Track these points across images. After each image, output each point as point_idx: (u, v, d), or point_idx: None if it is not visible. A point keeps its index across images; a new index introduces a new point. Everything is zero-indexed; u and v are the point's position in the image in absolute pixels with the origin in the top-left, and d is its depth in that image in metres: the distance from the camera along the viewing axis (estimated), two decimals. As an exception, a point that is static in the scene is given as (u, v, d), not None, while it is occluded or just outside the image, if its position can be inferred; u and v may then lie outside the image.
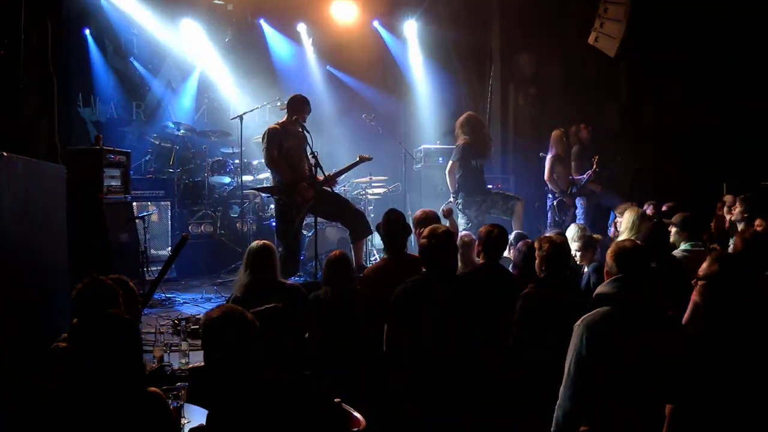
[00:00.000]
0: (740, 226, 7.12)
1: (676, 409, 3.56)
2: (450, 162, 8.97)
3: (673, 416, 3.57)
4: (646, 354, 3.37)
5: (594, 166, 9.45)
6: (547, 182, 9.59)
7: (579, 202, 9.77)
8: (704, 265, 3.90)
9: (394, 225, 5.72)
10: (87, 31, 11.13)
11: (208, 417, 3.23)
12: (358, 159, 8.21)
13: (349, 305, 5.34)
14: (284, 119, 7.95)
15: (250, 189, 10.14)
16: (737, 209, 7.37)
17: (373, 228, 8.31)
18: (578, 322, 3.42)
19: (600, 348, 3.32)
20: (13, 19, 5.22)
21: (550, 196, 9.63)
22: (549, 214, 9.58)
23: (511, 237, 6.44)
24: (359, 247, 8.04)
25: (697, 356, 3.59)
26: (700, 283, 3.88)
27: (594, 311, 3.44)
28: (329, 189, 7.79)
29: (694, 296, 4.25)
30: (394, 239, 5.71)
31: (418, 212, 6.55)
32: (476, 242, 5.75)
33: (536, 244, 5.02)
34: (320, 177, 7.68)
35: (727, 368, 3.72)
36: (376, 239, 9.25)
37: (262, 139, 7.87)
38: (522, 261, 5.65)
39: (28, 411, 3.82)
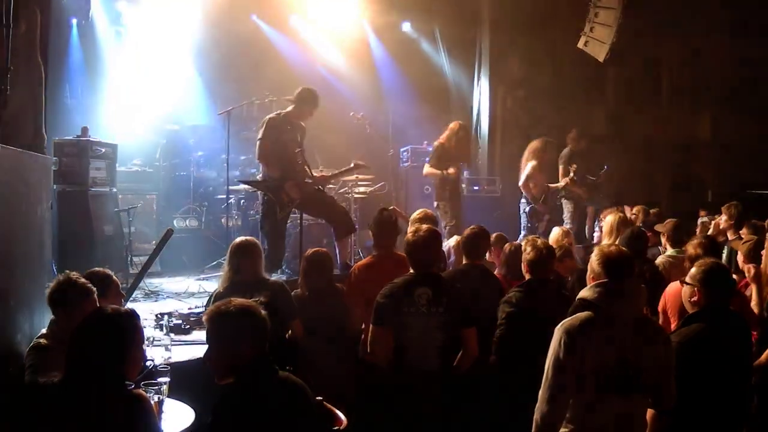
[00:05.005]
0: (729, 234, 7.16)
1: (659, 416, 3.59)
2: (427, 165, 9.09)
3: (655, 422, 3.60)
4: (625, 359, 3.37)
5: (571, 174, 9.45)
6: (521, 188, 9.58)
7: (566, 206, 9.80)
8: (693, 271, 3.97)
9: (383, 223, 5.84)
10: (74, 21, 11.01)
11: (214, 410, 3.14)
12: (352, 165, 8.16)
13: (327, 302, 5.40)
14: (289, 110, 7.86)
15: (238, 183, 10.09)
16: (723, 218, 7.42)
17: (358, 227, 8.37)
18: (558, 326, 3.44)
19: (578, 352, 3.33)
20: (2, 8, 5.18)
21: (523, 201, 9.60)
22: (522, 218, 9.56)
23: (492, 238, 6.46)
24: (343, 245, 8.05)
25: (683, 361, 3.62)
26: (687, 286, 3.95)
27: (574, 315, 3.45)
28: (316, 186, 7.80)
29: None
30: (383, 237, 5.81)
31: (416, 212, 6.62)
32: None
33: (523, 247, 5.07)
34: (307, 171, 7.67)
35: (711, 373, 3.77)
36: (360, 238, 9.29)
37: (259, 128, 7.83)
38: (508, 263, 5.71)
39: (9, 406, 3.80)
